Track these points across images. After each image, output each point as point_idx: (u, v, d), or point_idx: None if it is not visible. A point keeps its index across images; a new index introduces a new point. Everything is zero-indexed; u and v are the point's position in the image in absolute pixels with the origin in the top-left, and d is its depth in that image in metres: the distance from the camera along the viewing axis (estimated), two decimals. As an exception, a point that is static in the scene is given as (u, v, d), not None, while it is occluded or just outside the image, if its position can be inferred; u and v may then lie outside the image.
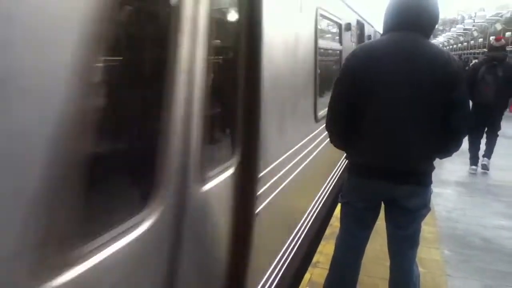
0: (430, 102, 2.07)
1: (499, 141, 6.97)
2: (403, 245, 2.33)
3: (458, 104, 2.09)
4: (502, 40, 6.50)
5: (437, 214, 4.64)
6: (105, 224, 1.11)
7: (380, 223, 2.41)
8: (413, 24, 2.14)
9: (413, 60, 2.07)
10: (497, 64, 6.00)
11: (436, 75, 2.04)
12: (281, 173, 2.58)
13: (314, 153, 3.53)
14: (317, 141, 3.65)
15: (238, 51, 1.99)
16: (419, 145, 2.13)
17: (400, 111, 2.09)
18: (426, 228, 3.15)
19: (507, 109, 9.13)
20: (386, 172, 2.18)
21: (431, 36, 2.30)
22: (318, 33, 3.50)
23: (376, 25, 9.72)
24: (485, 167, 6.57)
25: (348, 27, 5.50)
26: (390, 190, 2.21)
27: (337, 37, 5.05)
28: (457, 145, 2.21)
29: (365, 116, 2.17)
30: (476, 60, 8.38)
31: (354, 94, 2.15)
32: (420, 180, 2.20)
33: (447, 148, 2.22)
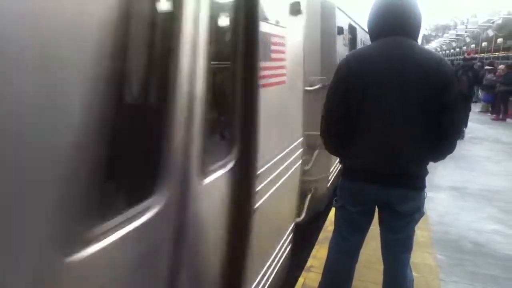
0: (422, 106, 2.08)
1: (493, 146, 7.15)
2: (396, 249, 2.33)
3: (450, 106, 2.10)
4: (472, 54, 11.93)
5: (430, 218, 4.65)
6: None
7: (374, 228, 2.41)
8: (401, 28, 2.15)
9: (404, 64, 2.08)
10: (468, 69, 10.34)
11: (427, 79, 2.05)
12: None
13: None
14: None
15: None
16: (411, 149, 2.13)
17: (391, 115, 2.10)
18: (419, 232, 3.15)
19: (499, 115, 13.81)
20: (378, 176, 2.18)
21: (424, 41, 2.32)
22: None
23: None
24: (461, 136, 8.96)
25: None
26: (382, 193, 2.21)
27: None
28: (450, 148, 2.21)
29: (357, 121, 2.17)
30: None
31: (346, 100, 2.16)
32: (412, 183, 2.21)
33: (441, 150, 2.22)
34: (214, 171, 1.81)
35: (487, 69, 15.85)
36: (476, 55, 21.27)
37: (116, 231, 1.15)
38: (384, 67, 2.11)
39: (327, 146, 2.40)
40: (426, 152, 2.19)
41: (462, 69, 10.34)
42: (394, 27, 2.15)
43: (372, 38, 2.29)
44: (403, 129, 2.10)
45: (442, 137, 2.15)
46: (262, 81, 2.13)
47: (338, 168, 5.22)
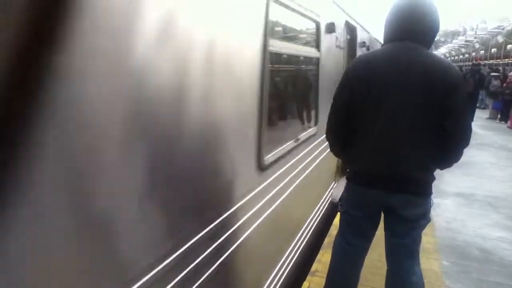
0: (427, 111, 2.08)
1: (498, 153, 7.08)
2: (400, 254, 2.33)
3: (456, 111, 2.07)
4: (479, 61, 15.49)
5: (437, 224, 4.64)
6: None
7: (379, 233, 2.41)
8: (413, 33, 2.14)
9: (409, 68, 2.08)
10: (475, 72, 12.73)
11: (433, 83, 2.05)
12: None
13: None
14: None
15: None
16: (416, 154, 2.13)
17: (396, 120, 2.11)
18: (425, 238, 3.14)
19: (508, 122, 14.13)
20: (379, 180, 2.19)
21: (433, 47, 2.32)
22: None
23: None
24: None
25: None
26: (386, 198, 2.22)
27: None
28: (456, 155, 2.19)
29: (360, 123, 2.20)
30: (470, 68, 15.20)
31: (352, 104, 2.18)
32: (415, 189, 2.20)
33: (447, 158, 2.21)
34: None
35: (492, 76, 15.74)
36: (486, 61, 23.67)
37: None
38: (389, 70, 2.12)
39: (332, 148, 2.42)
40: (429, 158, 2.18)
41: (470, 73, 12.80)
42: (405, 32, 2.15)
43: (384, 42, 2.31)
44: (406, 135, 2.10)
45: (448, 144, 2.14)
46: None
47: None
